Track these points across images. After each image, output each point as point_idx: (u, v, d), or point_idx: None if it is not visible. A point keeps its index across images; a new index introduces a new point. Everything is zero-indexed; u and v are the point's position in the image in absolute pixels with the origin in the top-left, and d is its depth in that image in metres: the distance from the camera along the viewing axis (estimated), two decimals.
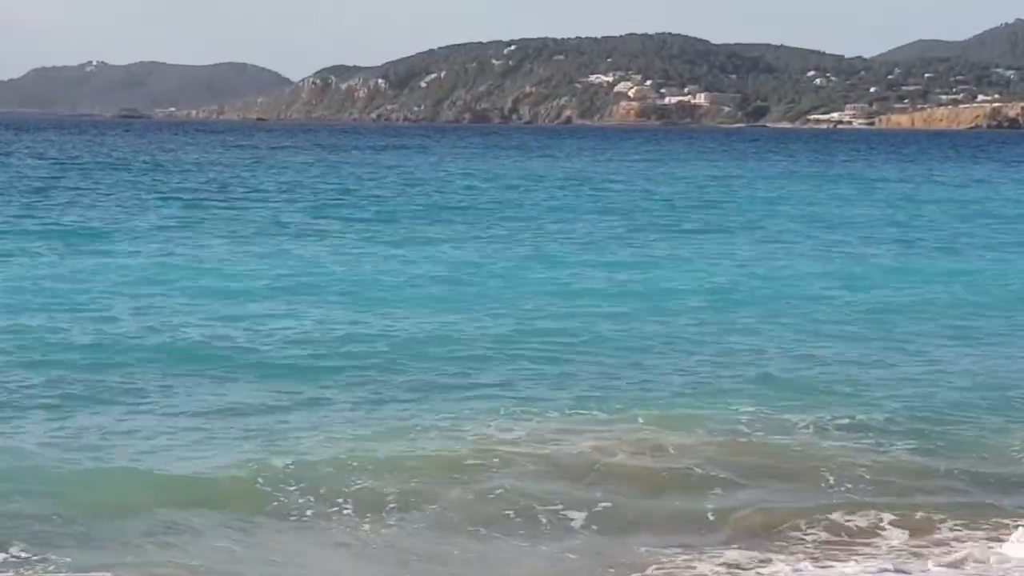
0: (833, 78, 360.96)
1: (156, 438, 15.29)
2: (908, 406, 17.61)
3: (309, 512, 12.97)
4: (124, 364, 19.31)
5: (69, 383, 17.93)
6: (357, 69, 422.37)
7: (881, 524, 12.88)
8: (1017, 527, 12.53)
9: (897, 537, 12.63)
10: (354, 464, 14.22)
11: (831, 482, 14.23)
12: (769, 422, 16.52)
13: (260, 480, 13.65)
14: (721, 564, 11.72)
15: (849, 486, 14.07)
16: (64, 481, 13.56)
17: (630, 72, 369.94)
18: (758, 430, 16.16)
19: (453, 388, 18.29)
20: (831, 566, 11.69)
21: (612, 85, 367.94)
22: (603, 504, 13.34)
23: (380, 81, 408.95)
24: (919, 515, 13.09)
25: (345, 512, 12.97)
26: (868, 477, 14.36)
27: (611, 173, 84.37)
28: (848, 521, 12.94)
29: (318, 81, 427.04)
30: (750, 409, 17.05)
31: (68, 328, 21.96)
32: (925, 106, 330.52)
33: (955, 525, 12.88)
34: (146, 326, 22.42)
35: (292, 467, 14.01)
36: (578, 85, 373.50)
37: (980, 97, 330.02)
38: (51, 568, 11.18)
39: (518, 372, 19.42)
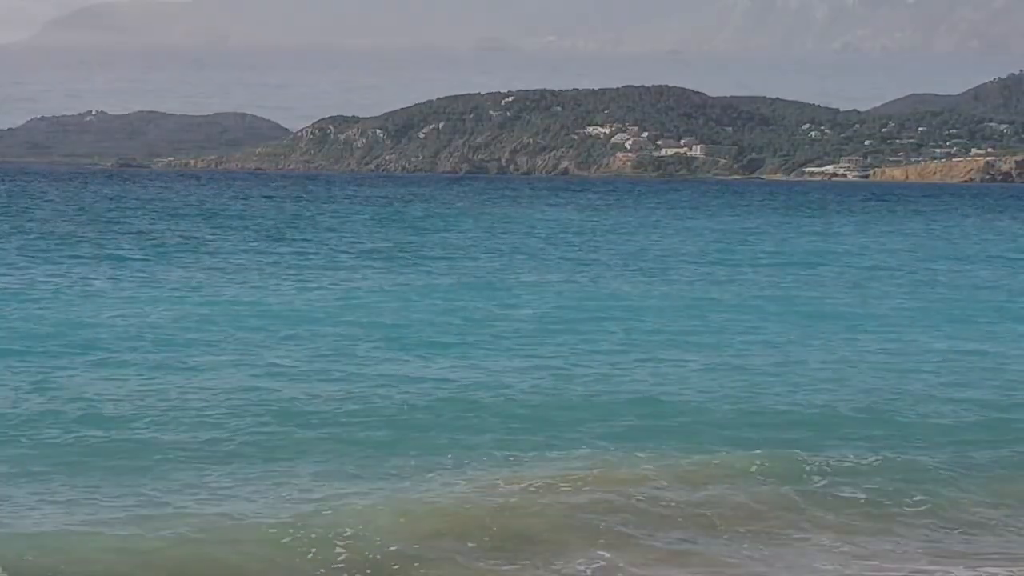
0: (828, 131, 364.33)
1: None
2: None
3: None
4: None
5: None
6: (355, 119, 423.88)
7: None
8: None
9: None
10: None
11: None
12: None
13: None
14: None
15: None
16: None
17: (627, 124, 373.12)
18: None
19: None
20: None
21: (609, 137, 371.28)
22: None
23: (378, 131, 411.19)
24: None
25: None
26: None
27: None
28: None
29: (317, 131, 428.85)
30: None
31: None
32: (919, 159, 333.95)
33: None
34: None
35: None
36: (575, 136, 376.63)
37: (974, 151, 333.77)
38: None
39: None
